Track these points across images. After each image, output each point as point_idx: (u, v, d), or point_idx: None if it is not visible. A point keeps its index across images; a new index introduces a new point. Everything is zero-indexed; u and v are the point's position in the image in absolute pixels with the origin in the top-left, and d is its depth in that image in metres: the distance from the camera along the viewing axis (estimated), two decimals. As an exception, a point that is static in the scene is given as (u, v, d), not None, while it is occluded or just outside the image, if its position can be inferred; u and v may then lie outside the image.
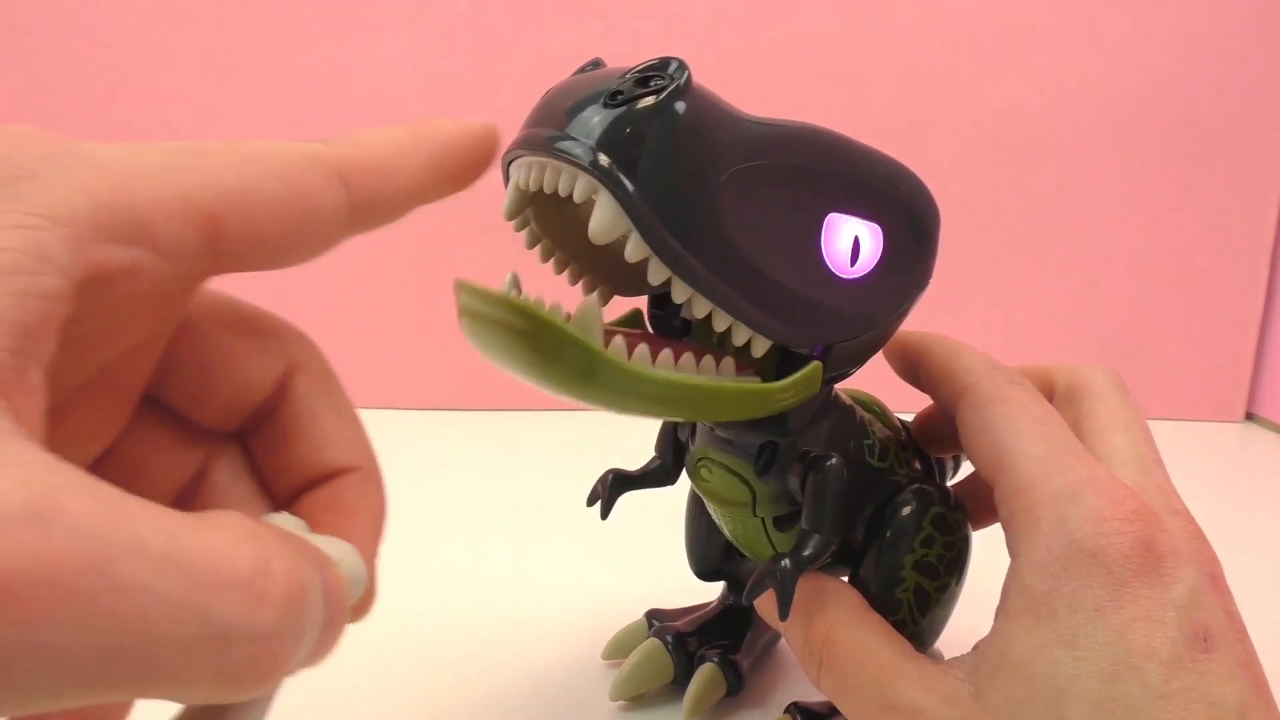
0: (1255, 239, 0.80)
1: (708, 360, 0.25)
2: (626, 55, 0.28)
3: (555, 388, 0.24)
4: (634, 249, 0.23)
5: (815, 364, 0.27)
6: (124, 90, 0.77)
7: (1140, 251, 0.80)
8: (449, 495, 0.60)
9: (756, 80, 0.77)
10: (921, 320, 0.30)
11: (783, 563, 0.26)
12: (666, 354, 0.24)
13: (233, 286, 0.72)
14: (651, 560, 0.48)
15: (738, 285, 0.24)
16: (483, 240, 0.80)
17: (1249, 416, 0.83)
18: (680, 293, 0.24)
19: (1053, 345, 0.82)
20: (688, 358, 0.25)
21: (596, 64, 0.27)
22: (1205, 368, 0.82)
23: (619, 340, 0.24)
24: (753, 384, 0.26)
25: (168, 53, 0.77)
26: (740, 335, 0.25)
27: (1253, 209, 0.79)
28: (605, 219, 0.23)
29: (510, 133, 0.24)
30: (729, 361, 0.26)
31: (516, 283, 0.26)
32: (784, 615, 0.27)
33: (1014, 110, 0.78)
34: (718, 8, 0.76)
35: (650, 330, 0.32)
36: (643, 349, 0.24)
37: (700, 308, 0.24)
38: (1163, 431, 0.87)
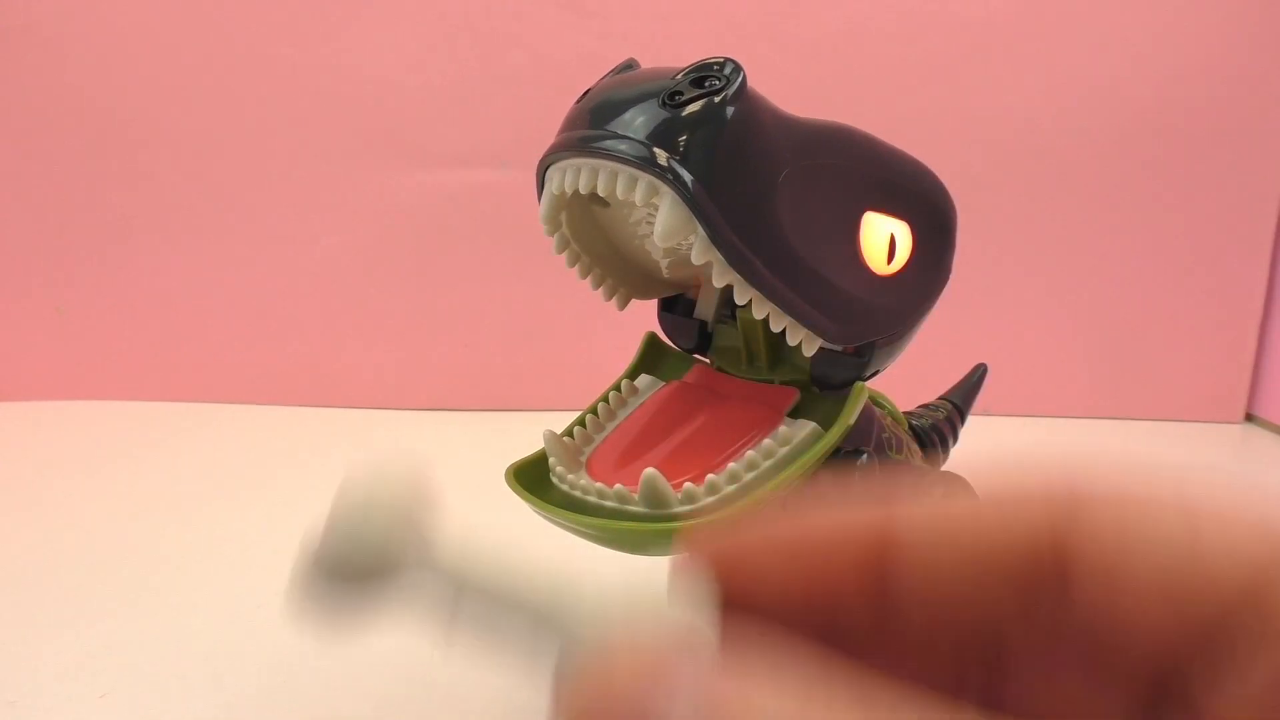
0: (1255, 239, 0.80)
1: (766, 444, 0.26)
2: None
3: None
4: (700, 251, 0.23)
5: (859, 385, 0.27)
6: (123, 90, 0.77)
7: (1140, 251, 0.80)
8: (447, 496, 0.60)
9: (757, 81, 0.76)
10: (927, 318, 0.30)
11: None
12: (734, 468, 0.25)
13: (233, 287, 0.72)
14: (642, 564, 0.47)
15: (795, 286, 0.24)
16: (482, 241, 0.80)
17: (1249, 417, 0.83)
18: (743, 294, 0.24)
19: (1053, 346, 0.82)
20: (749, 456, 0.26)
21: (630, 65, 0.27)
22: (1205, 368, 0.82)
23: (689, 486, 0.25)
24: (820, 440, 0.26)
25: (167, 52, 0.77)
26: (795, 336, 0.25)
27: (1253, 209, 0.79)
28: (674, 221, 0.23)
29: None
30: (775, 392, 0.28)
31: (556, 450, 0.28)
32: None
33: (1014, 110, 0.78)
34: (719, 7, 0.76)
35: (665, 336, 0.32)
36: (714, 479, 0.25)
37: (760, 309, 0.24)
38: (1163, 432, 0.86)
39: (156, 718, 0.35)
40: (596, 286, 0.29)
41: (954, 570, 0.14)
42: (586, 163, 0.24)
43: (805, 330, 0.25)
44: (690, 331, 0.31)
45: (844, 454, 0.28)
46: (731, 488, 0.25)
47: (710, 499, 0.25)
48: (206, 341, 0.82)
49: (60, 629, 0.42)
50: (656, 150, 0.22)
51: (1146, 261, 0.81)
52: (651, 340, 0.32)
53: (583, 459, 0.29)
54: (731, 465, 0.25)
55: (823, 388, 0.28)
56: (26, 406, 0.81)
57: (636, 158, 0.23)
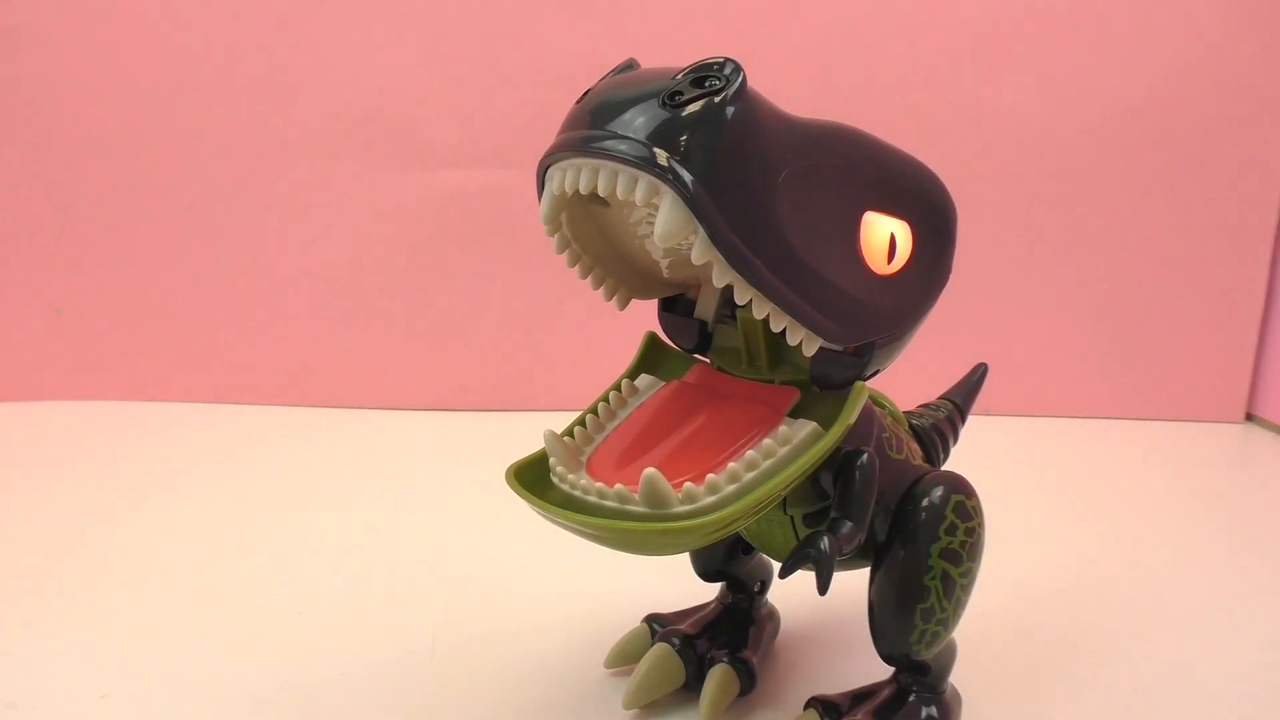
0: (1255, 239, 0.80)
1: (766, 444, 0.26)
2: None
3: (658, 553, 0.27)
4: (700, 251, 0.23)
5: (859, 385, 0.27)
6: (123, 90, 0.77)
7: (1140, 251, 0.81)
8: (447, 496, 0.61)
9: (757, 81, 0.76)
10: (927, 318, 0.30)
11: (821, 541, 0.27)
12: (734, 468, 0.25)
13: (233, 288, 0.72)
14: (643, 563, 0.48)
15: (795, 286, 0.24)
16: (482, 241, 0.80)
17: (1249, 417, 0.83)
18: (743, 294, 0.24)
19: (1052, 345, 0.82)
20: (749, 456, 0.26)
21: (630, 65, 0.27)
22: (1205, 368, 0.82)
23: (690, 486, 0.25)
24: (820, 440, 0.26)
25: (166, 53, 0.77)
26: (795, 335, 0.25)
27: (1253, 209, 0.80)
28: (674, 221, 0.23)
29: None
30: (776, 392, 0.28)
31: (556, 449, 0.28)
32: (824, 591, 0.27)
33: (1014, 111, 0.78)
34: (719, 7, 0.76)
35: (665, 336, 0.33)
36: (714, 479, 0.25)
37: (760, 309, 0.24)
38: (1163, 432, 0.87)
39: (156, 718, 0.35)
40: (597, 286, 0.29)
41: None
42: (587, 163, 0.24)
43: (805, 330, 0.25)
44: (690, 331, 0.31)
45: (844, 454, 0.28)
46: (732, 487, 0.25)
47: (710, 499, 0.25)
48: (206, 341, 0.82)
49: (60, 629, 0.42)
50: (657, 150, 0.23)
51: (1146, 261, 0.81)
52: (652, 340, 0.32)
53: (583, 459, 0.29)
54: (732, 465, 0.25)
55: (823, 387, 0.28)
56: (26, 406, 0.81)
57: (637, 158, 0.23)
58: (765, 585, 0.39)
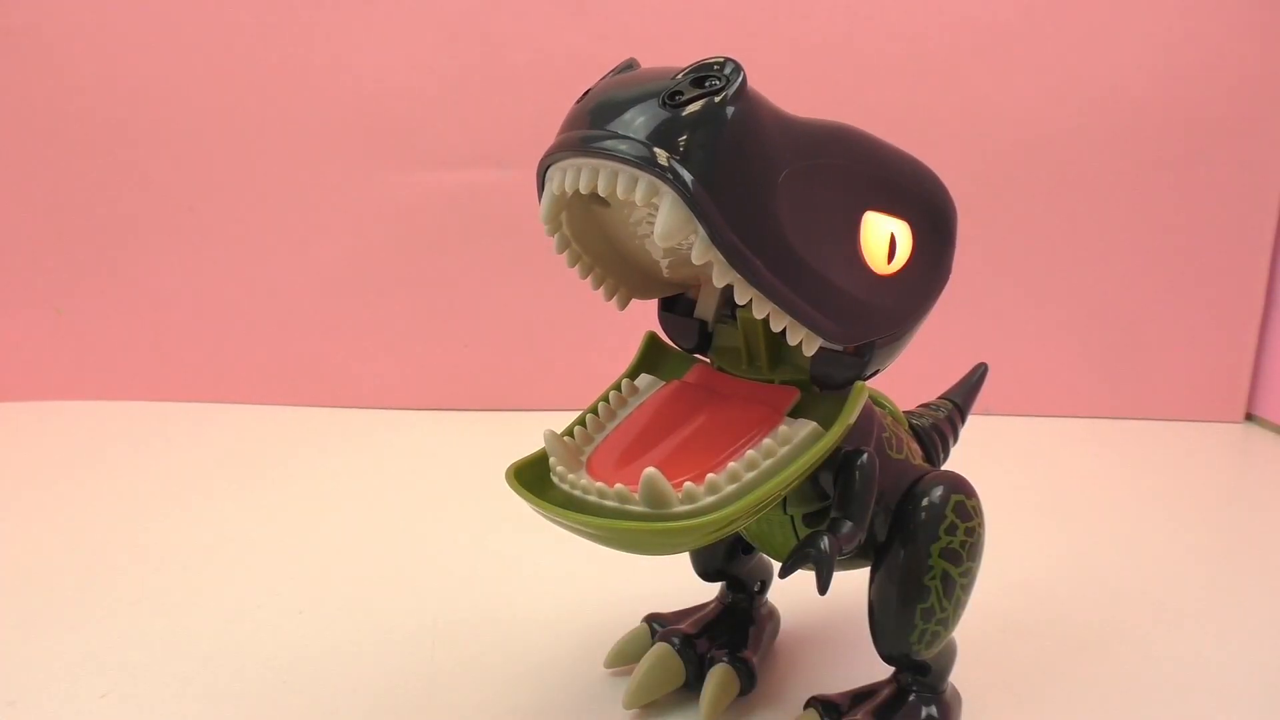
0: (1255, 239, 0.80)
1: (766, 443, 0.26)
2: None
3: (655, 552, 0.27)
4: (700, 251, 0.23)
5: (859, 385, 0.27)
6: (123, 90, 0.77)
7: (1140, 251, 0.81)
8: (447, 496, 0.61)
9: (757, 81, 0.76)
10: (928, 318, 0.30)
11: (821, 541, 0.27)
12: (734, 468, 0.25)
13: (233, 288, 0.72)
14: (643, 563, 0.48)
15: (795, 285, 0.24)
16: (482, 241, 0.80)
17: (1249, 417, 0.83)
18: (743, 294, 0.24)
19: (1052, 345, 0.82)
20: (749, 455, 0.26)
21: (630, 65, 0.27)
22: (1205, 368, 0.82)
23: (690, 486, 0.25)
24: (820, 440, 0.26)
25: (166, 53, 0.77)
26: (795, 335, 0.25)
27: (1253, 209, 0.79)
28: (674, 221, 0.23)
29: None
30: (776, 392, 0.28)
31: (556, 449, 0.28)
32: (824, 591, 0.27)
33: (1014, 110, 0.78)
34: (719, 7, 0.76)
35: (665, 336, 0.33)
36: (714, 479, 0.25)
37: (760, 309, 0.24)
38: (1163, 432, 0.87)
39: (156, 718, 0.35)
40: (597, 286, 0.29)
41: None
42: (587, 163, 0.24)
43: (805, 330, 0.25)
44: (690, 331, 0.31)
45: (844, 453, 0.28)
46: (732, 487, 0.25)
47: (710, 498, 0.25)
48: (206, 341, 0.82)
49: (60, 629, 0.42)
50: (657, 150, 0.23)
51: (1146, 261, 0.81)
52: (652, 340, 0.32)
53: (583, 459, 0.29)
54: (732, 465, 0.25)
55: (823, 387, 0.28)
56: (26, 406, 0.81)
57: (637, 157, 0.23)
58: (765, 585, 0.39)
